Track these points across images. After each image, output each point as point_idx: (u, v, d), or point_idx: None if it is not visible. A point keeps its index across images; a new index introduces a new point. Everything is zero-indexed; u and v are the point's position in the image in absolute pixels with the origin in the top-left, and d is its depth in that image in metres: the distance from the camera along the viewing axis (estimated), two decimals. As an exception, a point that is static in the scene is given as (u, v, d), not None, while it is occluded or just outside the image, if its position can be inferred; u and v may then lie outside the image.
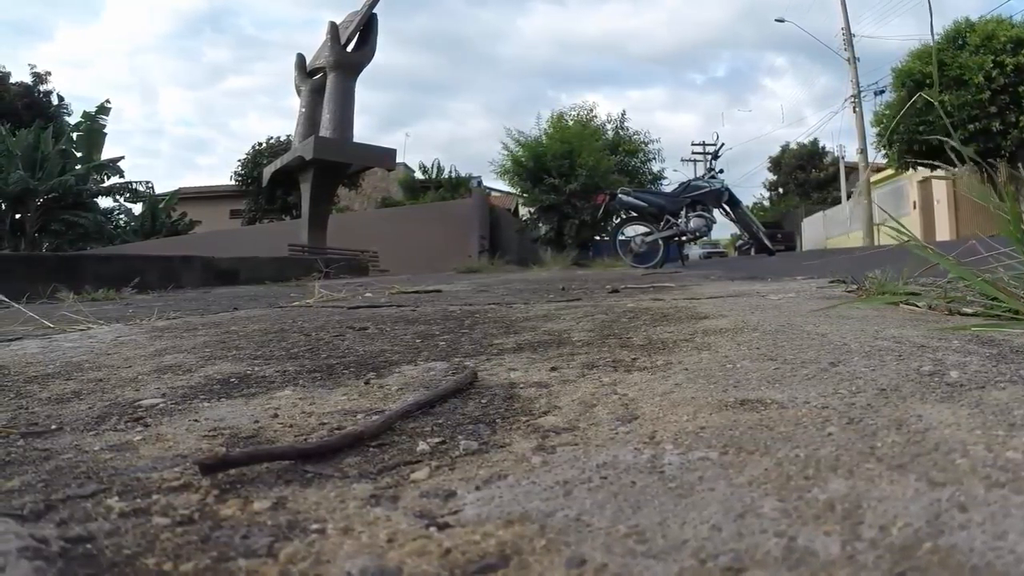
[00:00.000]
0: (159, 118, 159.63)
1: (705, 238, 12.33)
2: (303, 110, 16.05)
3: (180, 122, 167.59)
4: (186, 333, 2.19)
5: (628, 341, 1.70)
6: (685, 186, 11.69)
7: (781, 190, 52.79)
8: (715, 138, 13.39)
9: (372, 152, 15.95)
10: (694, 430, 0.88)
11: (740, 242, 14.44)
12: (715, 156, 12.24)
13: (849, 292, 2.60)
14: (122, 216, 33.13)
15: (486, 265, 13.67)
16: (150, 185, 31.98)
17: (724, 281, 3.98)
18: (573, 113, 24.79)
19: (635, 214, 11.78)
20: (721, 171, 11.97)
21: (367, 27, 15.60)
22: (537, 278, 6.68)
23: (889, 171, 27.51)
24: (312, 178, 14.63)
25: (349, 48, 15.50)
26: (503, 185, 25.41)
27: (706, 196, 11.16)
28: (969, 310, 1.86)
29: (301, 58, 16.55)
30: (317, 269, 8.93)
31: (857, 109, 29.98)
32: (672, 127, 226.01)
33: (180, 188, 35.34)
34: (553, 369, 1.36)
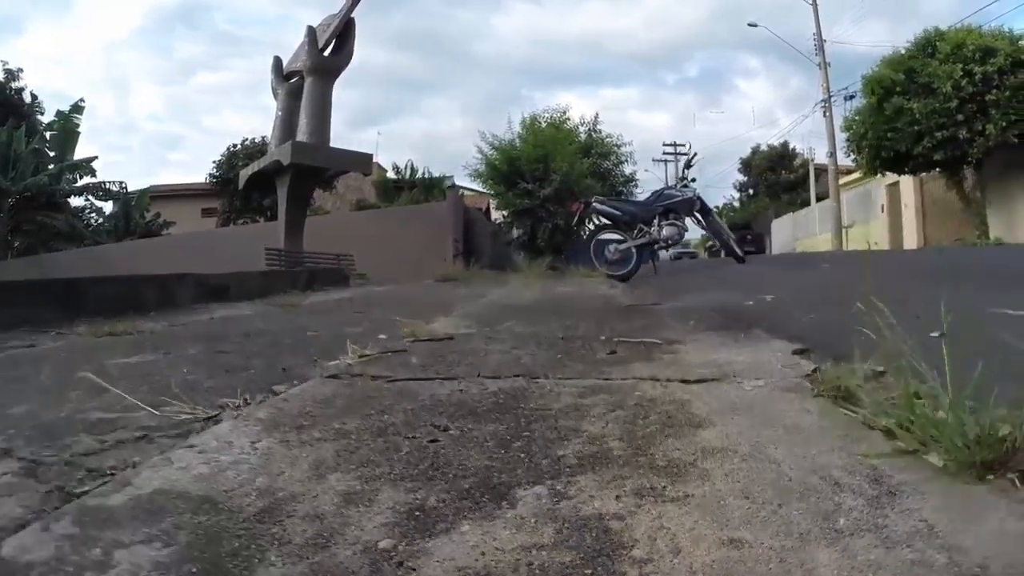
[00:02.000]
0: (130, 114, 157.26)
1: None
2: (279, 113, 16.01)
3: (151, 118, 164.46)
4: (308, 432, 1.87)
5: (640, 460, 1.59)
6: (658, 195, 11.95)
7: (751, 191, 53.22)
8: (688, 148, 13.70)
9: (350, 157, 15.95)
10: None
11: (710, 243, 14.70)
12: (688, 165, 12.53)
13: (811, 375, 2.35)
14: (93, 215, 32.84)
15: (462, 272, 13.75)
16: (123, 185, 31.72)
17: (702, 335, 3.69)
18: (547, 116, 24.85)
19: (609, 222, 11.98)
20: (693, 180, 12.27)
21: (345, 31, 15.60)
22: (527, 303, 6.25)
23: (858, 174, 27.95)
24: (289, 182, 14.62)
25: (327, 52, 15.50)
26: (476, 184, 25.45)
27: (678, 205, 11.39)
28: (889, 423, 1.61)
29: (278, 60, 16.49)
30: (299, 282, 9.03)
31: (827, 113, 30.47)
32: (646, 127, 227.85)
33: (151, 186, 35.05)
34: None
